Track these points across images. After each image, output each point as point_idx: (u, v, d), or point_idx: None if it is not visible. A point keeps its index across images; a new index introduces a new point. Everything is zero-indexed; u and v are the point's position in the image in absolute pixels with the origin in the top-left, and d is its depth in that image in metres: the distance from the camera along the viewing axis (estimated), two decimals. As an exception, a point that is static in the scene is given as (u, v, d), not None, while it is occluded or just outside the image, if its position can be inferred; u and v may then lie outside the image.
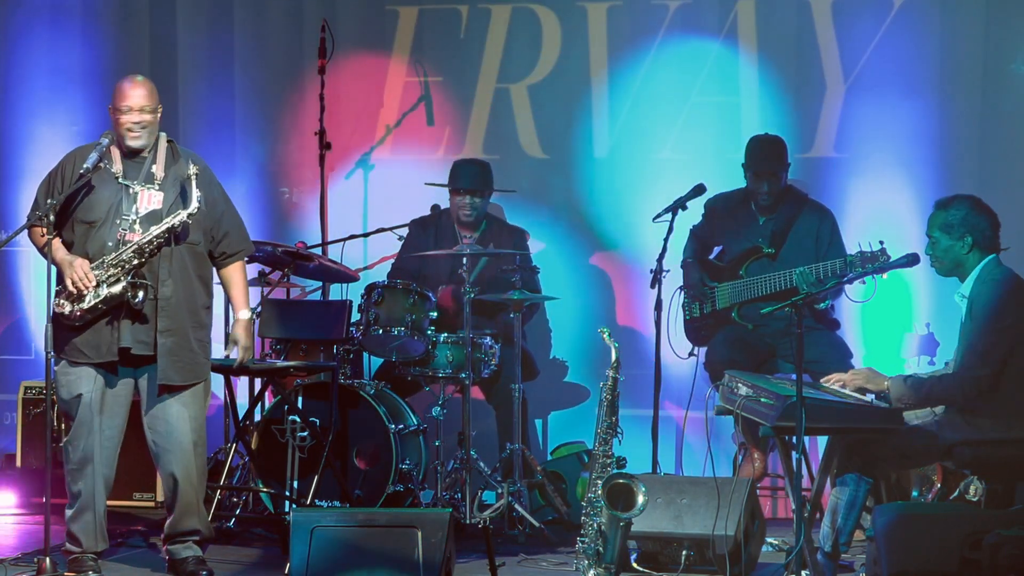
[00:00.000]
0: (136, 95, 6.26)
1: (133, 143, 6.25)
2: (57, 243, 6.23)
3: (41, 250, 6.28)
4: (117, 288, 6.15)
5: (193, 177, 6.21)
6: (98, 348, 6.23)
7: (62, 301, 6.19)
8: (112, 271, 6.16)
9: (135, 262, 6.17)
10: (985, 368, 5.99)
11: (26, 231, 6.36)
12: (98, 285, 6.15)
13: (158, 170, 6.28)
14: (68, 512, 6.33)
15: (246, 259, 6.54)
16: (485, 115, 8.82)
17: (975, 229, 6.13)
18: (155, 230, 6.18)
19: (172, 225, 6.19)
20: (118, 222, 6.22)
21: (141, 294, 6.17)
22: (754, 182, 7.69)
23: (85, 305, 6.16)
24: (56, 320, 6.22)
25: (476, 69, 8.82)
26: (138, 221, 6.21)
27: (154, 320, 6.21)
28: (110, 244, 6.20)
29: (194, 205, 6.20)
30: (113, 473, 6.37)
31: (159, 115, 6.32)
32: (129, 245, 6.16)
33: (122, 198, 6.24)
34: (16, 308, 9.11)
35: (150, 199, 6.26)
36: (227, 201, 6.46)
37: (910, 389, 6.07)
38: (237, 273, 6.45)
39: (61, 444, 6.43)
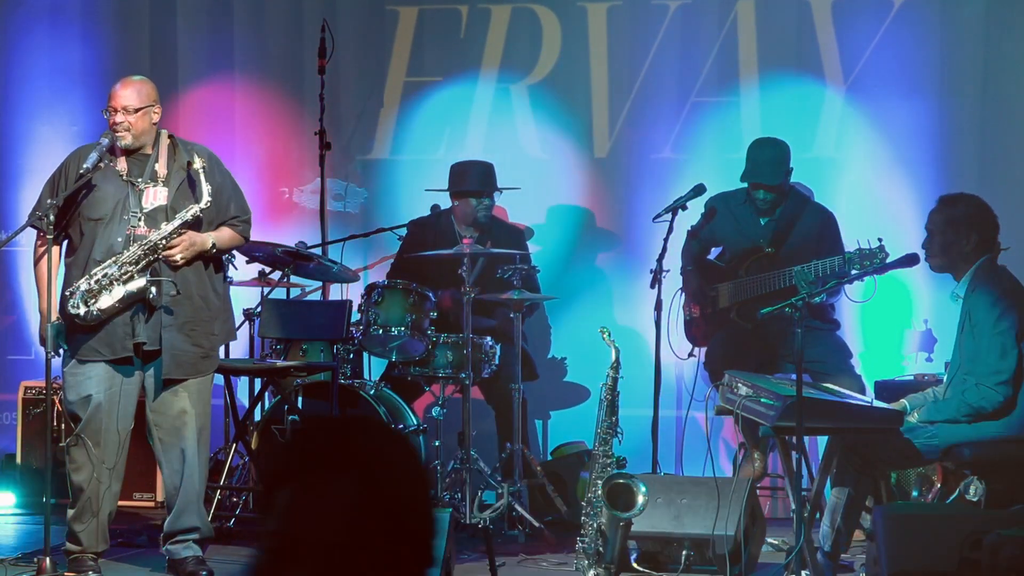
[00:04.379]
0: (119, 95, 6.27)
1: (119, 142, 6.27)
2: (46, 273, 6.21)
3: (36, 261, 6.29)
4: (134, 286, 6.14)
5: (201, 171, 6.22)
6: (112, 346, 6.23)
7: (76, 303, 6.18)
8: (127, 268, 6.15)
9: (149, 258, 6.18)
10: (1003, 373, 6.00)
11: (32, 237, 6.37)
12: (112, 284, 6.15)
13: (161, 168, 6.29)
14: (70, 512, 6.33)
15: (241, 236, 6.45)
16: (485, 115, 8.82)
17: (981, 228, 6.14)
18: (168, 227, 6.18)
19: (186, 220, 6.20)
20: (126, 218, 6.22)
21: (155, 290, 6.17)
22: (752, 188, 7.68)
23: (103, 305, 6.15)
24: (69, 323, 6.22)
25: (476, 69, 8.82)
26: (143, 217, 6.22)
27: (159, 314, 6.22)
28: (119, 240, 6.21)
29: (205, 199, 6.20)
30: (123, 474, 6.37)
31: (155, 114, 6.32)
32: (142, 242, 6.16)
33: (128, 194, 6.25)
34: (16, 308, 9.11)
35: (155, 195, 6.27)
36: (234, 187, 6.44)
37: (938, 412, 6.09)
38: (229, 230, 6.39)
39: (61, 444, 6.42)
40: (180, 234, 6.19)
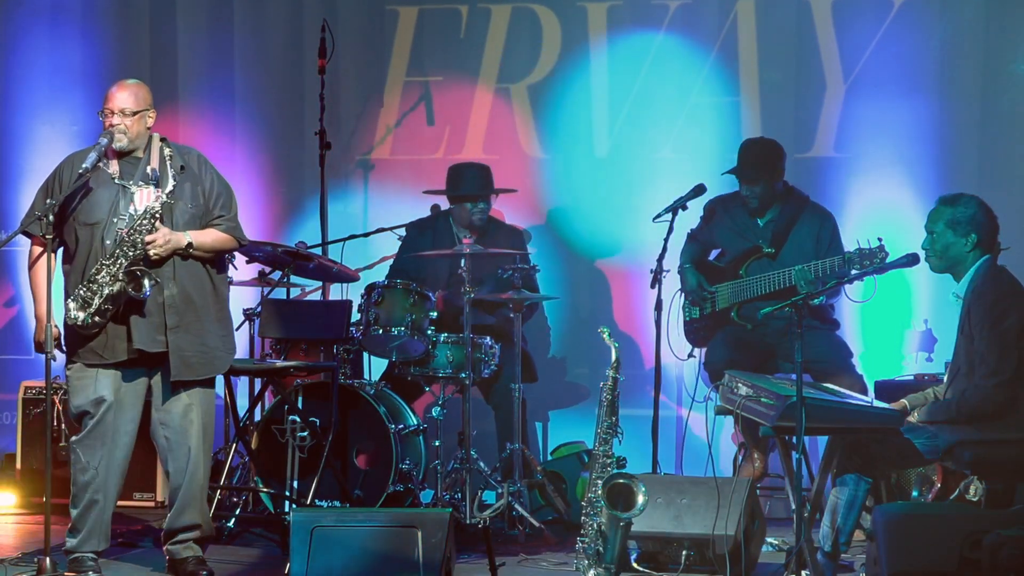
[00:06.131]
0: (116, 98, 6.28)
1: (114, 144, 6.27)
2: (42, 277, 6.21)
3: (31, 266, 6.30)
4: (117, 286, 6.16)
5: (168, 159, 6.23)
6: (110, 349, 6.25)
7: (75, 313, 6.19)
8: (112, 270, 6.16)
9: (130, 255, 6.17)
10: (1003, 373, 5.99)
11: (29, 239, 6.38)
12: (103, 287, 6.16)
13: (152, 170, 6.29)
14: (73, 511, 6.33)
15: (230, 237, 6.41)
16: (485, 115, 8.83)
17: (981, 229, 6.14)
18: (140, 218, 6.19)
19: (155, 210, 6.19)
20: (115, 221, 6.23)
21: (147, 283, 6.16)
22: (740, 185, 7.71)
23: (92, 309, 6.17)
24: (70, 329, 6.23)
25: (476, 69, 8.83)
26: (136, 219, 6.22)
27: (162, 318, 6.23)
28: (108, 243, 6.22)
29: (170, 184, 6.22)
30: (125, 474, 6.38)
31: (150, 118, 6.32)
32: (119, 241, 6.17)
33: (119, 198, 6.26)
34: (16, 308, 9.11)
35: (148, 197, 6.27)
36: (224, 188, 6.43)
37: (939, 412, 6.08)
38: (213, 230, 6.38)
39: (62, 444, 6.43)
40: (153, 227, 6.19)
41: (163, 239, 6.20)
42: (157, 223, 6.20)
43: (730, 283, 7.72)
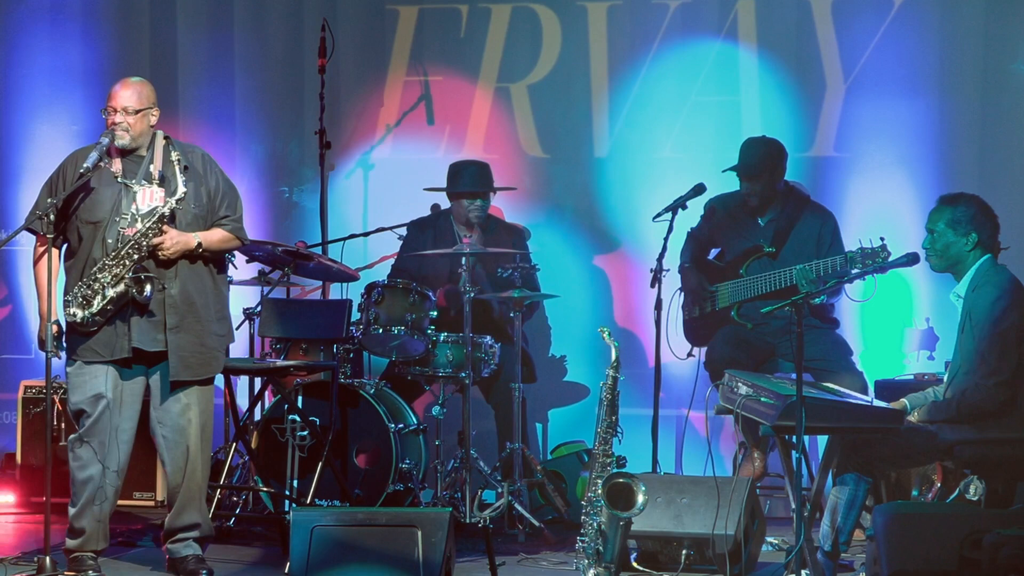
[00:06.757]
0: (119, 96, 6.28)
1: (117, 141, 6.28)
2: (46, 275, 6.21)
3: (35, 263, 6.31)
4: (121, 286, 6.17)
5: (176, 163, 6.23)
6: (110, 346, 6.25)
7: (73, 310, 6.20)
8: (116, 270, 6.17)
9: (135, 257, 6.18)
10: (1003, 372, 6.00)
11: (31, 237, 6.38)
12: (104, 287, 6.17)
13: (156, 168, 6.30)
14: (71, 509, 6.34)
15: (234, 237, 6.42)
16: (485, 115, 8.83)
17: (981, 228, 6.15)
18: (148, 222, 6.19)
19: (163, 214, 6.20)
20: (117, 220, 6.23)
21: (148, 288, 6.17)
22: (740, 183, 7.72)
23: (94, 309, 6.17)
24: (69, 327, 6.23)
25: (476, 69, 8.83)
26: (139, 218, 6.22)
27: (163, 317, 6.23)
28: (110, 242, 6.22)
29: (181, 190, 6.21)
30: (124, 473, 6.37)
31: (153, 117, 6.33)
32: (126, 242, 6.17)
33: (122, 196, 6.26)
34: (16, 307, 9.11)
35: (151, 196, 6.28)
36: (229, 188, 6.44)
37: (939, 411, 6.08)
38: (219, 230, 6.39)
39: (62, 443, 6.43)
40: (161, 231, 6.19)
41: (171, 241, 6.21)
42: (164, 225, 6.20)
43: (730, 282, 7.72)
